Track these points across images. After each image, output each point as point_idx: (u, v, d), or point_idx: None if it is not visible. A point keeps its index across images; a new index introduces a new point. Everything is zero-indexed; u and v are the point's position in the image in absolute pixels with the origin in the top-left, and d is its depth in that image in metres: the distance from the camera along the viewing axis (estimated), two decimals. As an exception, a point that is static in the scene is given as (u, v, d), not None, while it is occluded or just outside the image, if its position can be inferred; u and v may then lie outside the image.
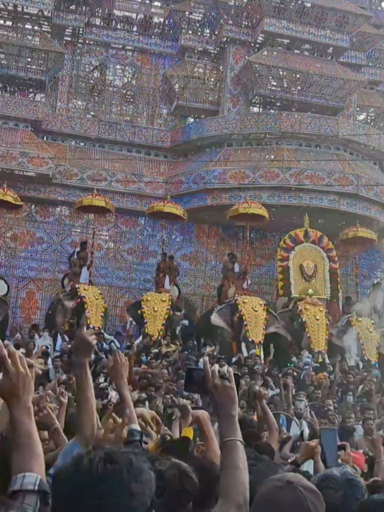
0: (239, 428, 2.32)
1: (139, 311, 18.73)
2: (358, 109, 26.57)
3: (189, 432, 3.94)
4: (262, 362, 16.02)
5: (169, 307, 18.59)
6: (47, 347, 15.02)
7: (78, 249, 20.34)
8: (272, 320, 18.55)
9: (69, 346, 15.55)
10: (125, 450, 1.82)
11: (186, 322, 18.97)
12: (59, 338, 16.71)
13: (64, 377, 11.72)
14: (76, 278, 19.53)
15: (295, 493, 1.88)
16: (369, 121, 27.71)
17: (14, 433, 2.00)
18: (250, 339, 17.66)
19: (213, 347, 17.36)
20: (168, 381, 11.94)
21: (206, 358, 2.43)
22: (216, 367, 2.38)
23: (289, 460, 3.69)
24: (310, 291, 19.18)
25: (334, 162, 22.10)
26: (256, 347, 17.56)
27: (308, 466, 4.18)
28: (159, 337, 17.71)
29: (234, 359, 15.85)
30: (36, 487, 1.82)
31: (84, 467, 1.73)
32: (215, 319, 18.41)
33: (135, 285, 22.70)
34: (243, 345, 17.72)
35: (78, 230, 22.79)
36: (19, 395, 2.01)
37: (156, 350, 16.28)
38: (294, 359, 16.54)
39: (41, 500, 1.82)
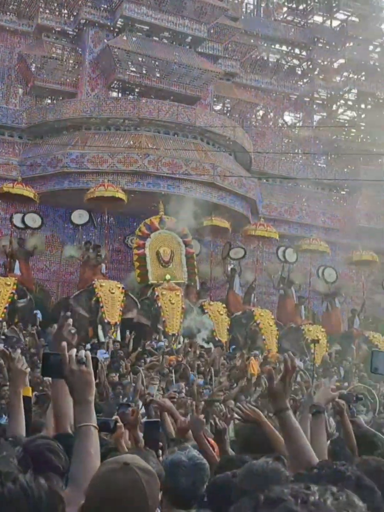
0: (95, 413, 2.33)
1: None
2: (214, 99, 27.20)
3: (27, 391, 3.99)
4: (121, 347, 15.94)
5: (14, 291, 18.10)
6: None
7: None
8: (132, 305, 18.62)
9: None
10: None
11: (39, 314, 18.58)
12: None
13: None
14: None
15: (131, 475, 1.90)
16: (225, 112, 28.47)
17: None
18: (106, 320, 17.63)
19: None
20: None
21: (64, 343, 2.41)
22: (74, 351, 2.37)
23: None
24: (168, 276, 19.42)
25: (191, 151, 22.48)
26: (112, 328, 17.56)
27: None
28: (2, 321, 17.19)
29: (88, 345, 15.66)
30: None
31: None
32: (74, 305, 18.23)
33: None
34: (99, 327, 17.66)
35: None
36: None
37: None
38: (151, 343, 16.66)
39: None
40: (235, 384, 11.83)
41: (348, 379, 16.60)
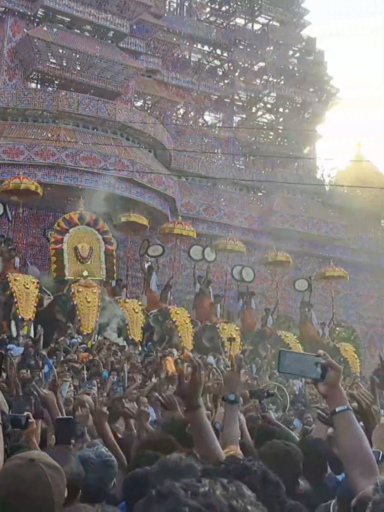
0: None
1: None
2: (135, 95, 27.12)
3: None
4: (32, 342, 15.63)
5: None
6: None
7: None
8: (43, 297, 18.30)
9: None
10: None
11: None
12: None
13: None
14: None
15: (36, 470, 1.93)
16: (146, 108, 28.42)
17: None
18: (20, 317, 17.25)
19: None
20: None
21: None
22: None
23: None
24: (85, 273, 19.16)
25: (110, 146, 22.30)
26: (26, 324, 17.21)
27: None
28: None
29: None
30: None
31: None
32: None
33: None
34: (12, 323, 17.26)
35: None
36: None
37: None
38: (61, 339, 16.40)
39: None
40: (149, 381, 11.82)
41: (260, 376, 16.90)
